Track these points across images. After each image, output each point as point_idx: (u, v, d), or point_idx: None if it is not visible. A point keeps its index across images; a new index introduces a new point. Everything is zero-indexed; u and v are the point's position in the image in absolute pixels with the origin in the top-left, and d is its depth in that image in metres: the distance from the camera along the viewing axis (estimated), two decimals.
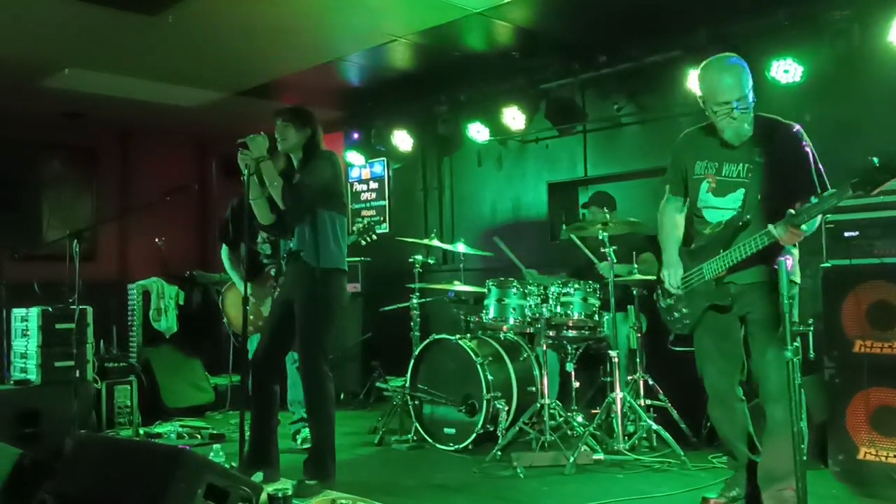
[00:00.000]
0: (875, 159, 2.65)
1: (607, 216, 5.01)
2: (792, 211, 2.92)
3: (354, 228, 5.43)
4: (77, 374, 5.09)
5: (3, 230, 7.52)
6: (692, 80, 5.39)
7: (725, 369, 3.41)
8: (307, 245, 4.06)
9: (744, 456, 3.43)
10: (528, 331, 5.19)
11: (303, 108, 4.25)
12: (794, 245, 3.20)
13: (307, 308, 4.04)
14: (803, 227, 2.94)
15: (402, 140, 7.40)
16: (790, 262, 2.84)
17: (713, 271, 3.27)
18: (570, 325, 4.86)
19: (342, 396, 6.78)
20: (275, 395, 4.20)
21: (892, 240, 3.88)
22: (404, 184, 7.94)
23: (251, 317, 4.65)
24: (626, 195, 6.04)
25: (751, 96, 3.17)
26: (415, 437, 5.17)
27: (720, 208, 3.29)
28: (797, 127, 3.25)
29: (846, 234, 3.98)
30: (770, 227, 3.01)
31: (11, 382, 5.43)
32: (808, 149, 3.18)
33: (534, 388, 5.00)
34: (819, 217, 3.03)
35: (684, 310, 3.42)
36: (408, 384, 5.28)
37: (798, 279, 3.28)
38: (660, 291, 3.54)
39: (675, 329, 3.49)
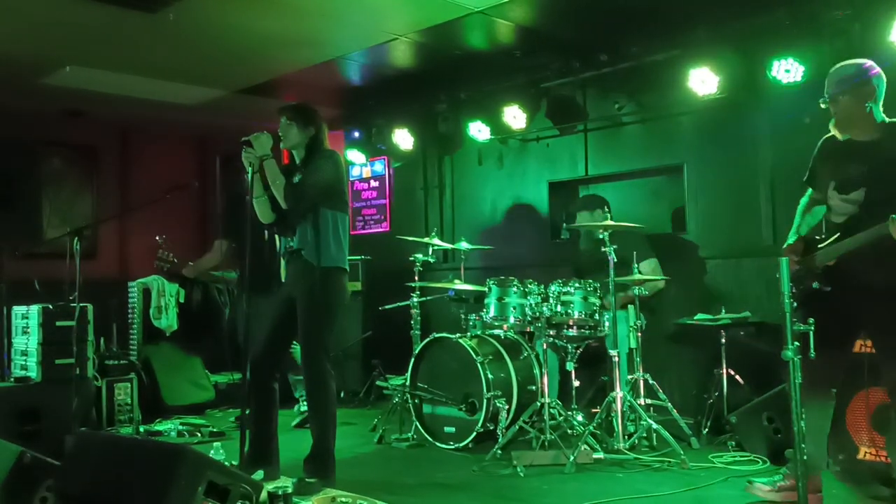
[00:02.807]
0: None
1: (608, 215, 5.01)
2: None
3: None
4: (77, 372, 5.08)
5: (3, 228, 7.51)
6: (693, 79, 5.39)
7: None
8: (308, 244, 4.05)
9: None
10: (528, 330, 5.19)
11: (307, 107, 4.24)
12: None
13: (308, 306, 4.03)
14: None
15: (403, 139, 7.39)
16: None
17: (823, 260, 3.42)
18: (571, 324, 4.86)
19: (342, 395, 6.79)
20: (275, 392, 4.20)
21: None
22: (405, 182, 7.94)
23: None
24: (627, 194, 6.05)
25: (847, 95, 3.36)
26: (415, 436, 5.17)
27: (841, 206, 3.43)
28: None
29: None
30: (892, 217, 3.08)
31: (12, 380, 5.42)
32: None
33: (534, 387, 5.00)
34: None
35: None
36: (408, 383, 5.28)
37: None
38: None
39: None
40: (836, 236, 3.40)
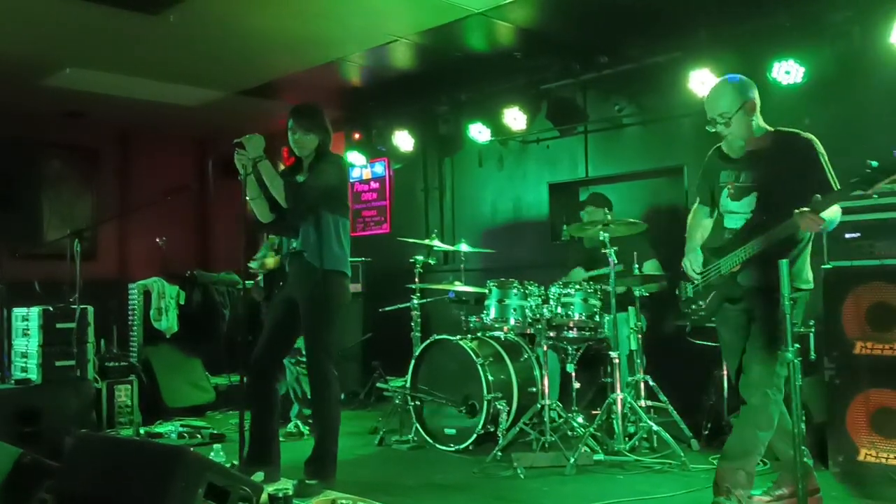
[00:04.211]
0: (873, 163, 2.85)
1: (608, 216, 5.01)
2: (818, 197, 3.03)
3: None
4: (77, 374, 5.09)
5: (3, 229, 7.51)
6: (693, 81, 5.39)
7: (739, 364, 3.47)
8: (311, 246, 4.04)
9: (786, 455, 3.40)
10: (528, 331, 5.19)
11: (319, 111, 4.16)
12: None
13: (310, 309, 4.03)
14: (825, 216, 3.03)
15: (403, 140, 7.40)
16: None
17: (729, 266, 3.41)
18: (571, 325, 4.86)
19: (343, 396, 6.77)
20: (275, 394, 4.19)
21: (893, 241, 3.88)
22: (405, 184, 7.94)
23: None
24: (627, 196, 6.06)
25: (738, 114, 3.30)
26: (415, 438, 5.17)
27: (737, 212, 3.43)
28: (809, 136, 3.36)
29: (847, 235, 3.98)
30: (795, 212, 3.07)
31: (12, 381, 5.43)
32: (820, 156, 3.30)
33: (534, 389, 5.00)
34: (838, 214, 3.20)
35: (701, 302, 3.56)
36: (408, 384, 5.27)
37: (803, 285, 3.36)
38: (682, 284, 3.66)
39: (692, 321, 3.65)
40: (730, 241, 3.43)
